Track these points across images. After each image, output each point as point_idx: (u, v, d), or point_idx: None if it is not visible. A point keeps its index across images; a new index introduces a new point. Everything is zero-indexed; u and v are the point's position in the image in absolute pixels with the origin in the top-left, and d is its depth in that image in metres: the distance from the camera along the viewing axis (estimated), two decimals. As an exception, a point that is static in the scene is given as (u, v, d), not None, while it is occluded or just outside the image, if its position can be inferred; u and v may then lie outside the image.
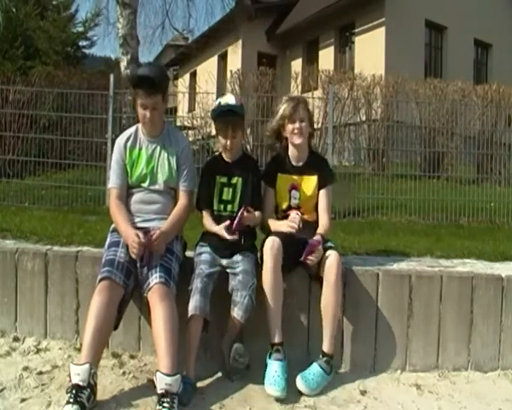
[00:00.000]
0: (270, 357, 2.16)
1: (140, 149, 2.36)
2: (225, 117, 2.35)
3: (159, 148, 2.36)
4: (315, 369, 2.18)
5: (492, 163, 6.10)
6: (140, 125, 2.41)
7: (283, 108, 2.44)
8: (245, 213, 2.24)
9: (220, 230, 2.27)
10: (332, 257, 2.22)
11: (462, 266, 2.71)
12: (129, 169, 2.34)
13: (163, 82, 2.34)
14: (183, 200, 2.35)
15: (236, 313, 2.14)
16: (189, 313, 2.09)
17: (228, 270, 2.28)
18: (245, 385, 2.16)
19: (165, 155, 2.35)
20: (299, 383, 2.13)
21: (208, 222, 2.38)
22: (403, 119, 6.35)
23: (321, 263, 2.24)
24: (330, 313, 2.22)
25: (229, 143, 2.36)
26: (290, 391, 2.12)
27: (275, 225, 2.38)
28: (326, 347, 2.23)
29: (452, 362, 2.43)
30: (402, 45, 11.42)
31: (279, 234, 2.27)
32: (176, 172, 2.35)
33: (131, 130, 2.42)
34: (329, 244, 2.33)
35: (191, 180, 2.39)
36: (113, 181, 2.34)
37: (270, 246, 2.20)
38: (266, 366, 2.15)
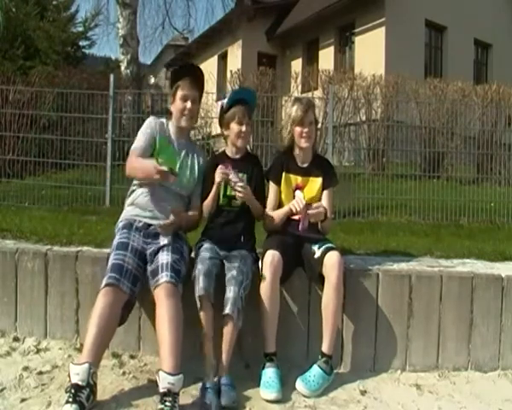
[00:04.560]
0: (263, 368, 2.17)
1: (169, 141, 2.40)
2: (242, 104, 2.42)
3: (183, 152, 2.42)
4: (315, 370, 2.18)
5: (492, 163, 6.10)
6: (168, 122, 2.45)
7: (294, 110, 2.44)
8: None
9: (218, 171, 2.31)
10: (334, 257, 2.22)
11: (462, 266, 2.71)
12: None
13: (203, 81, 2.52)
14: (198, 211, 2.41)
15: (228, 308, 2.09)
16: (196, 295, 2.08)
17: (225, 261, 2.27)
18: (245, 385, 2.15)
19: (188, 162, 2.42)
20: (300, 385, 2.14)
21: (206, 200, 2.38)
22: (403, 119, 6.35)
23: (323, 262, 2.24)
24: (331, 314, 2.22)
25: (244, 129, 2.39)
26: (290, 392, 2.13)
27: (277, 212, 2.42)
28: (325, 347, 2.23)
29: (452, 362, 2.43)
30: (402, 45, 11.42)
31: (277, 244, 2.27)
32: (194, 183, 2.42)
33: (164, 120, 2.46)
34: (330, 245, 2.33)
35: (201, 194, 2.45)
36: (138, 148, 2.33)
37: (270, 260, 2.20)
38: (260, 377, 2.15)
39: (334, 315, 2.23)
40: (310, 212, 2.27)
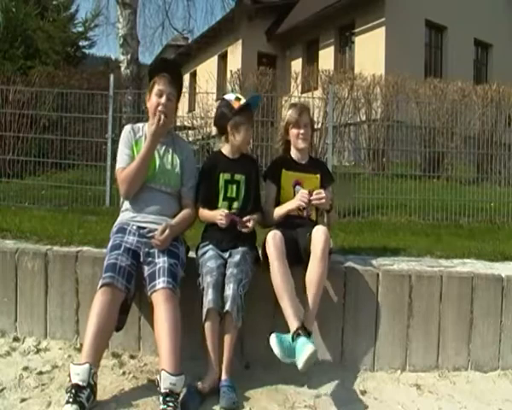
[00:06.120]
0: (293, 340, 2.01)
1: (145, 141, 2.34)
2: (249, 111, 2.44)
3: (163, 150, 2.37)
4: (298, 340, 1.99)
5: (492, 163, 6.10)
6: (145, 124, 2.43)
7: (288, 113, 2.58)
8: (239, 226, 2.27)
9: (218, 216, 2.27)
10: (319, 232, 2.20)
11: (462, 266, 2.70)
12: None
13: (181, 79, 2.48)
14: (190, 208, 2.37)
15: (228, 305, 2.09)
16: (205, 309, 2.07)
17: (227, 260, 2.27)
18: (245, 386, 2.15)
19: (170, 159, 2.37)
20: (273, 342, 2.00)
21: (205, 213, 2.36)
22: (403, 119, 6.36)
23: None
24: (314, 288, 2.15)
25: (249, 136, 2.42)
26: (290, 390, 2.12)
27: (281, 208, 2.44)
28: (307, 322, 2.11)
29: (452, 362, 2.43)
30: (402, 45, 11.42)
31: (279, 229, 2.29)
32: (179, 178, 2.36)
33: (140, 125, 2.43)
34: (320, 226, 2.31)
35: (194, 189, 2.41)
36: (122, 161, 2.30)
37: (272, 237, 2.21)
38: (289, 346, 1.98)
39: (317, 289, 2.15)
40: (312, 198, 2.31)
